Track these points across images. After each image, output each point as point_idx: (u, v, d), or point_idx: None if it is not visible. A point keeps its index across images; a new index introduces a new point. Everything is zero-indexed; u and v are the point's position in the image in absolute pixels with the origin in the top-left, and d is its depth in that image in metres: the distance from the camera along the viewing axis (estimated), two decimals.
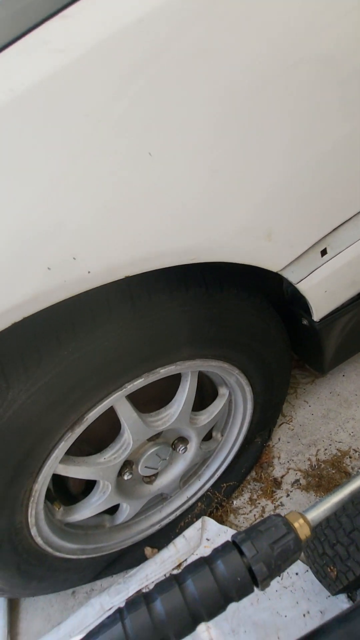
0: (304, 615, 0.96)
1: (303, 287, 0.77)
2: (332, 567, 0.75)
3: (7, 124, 0.48)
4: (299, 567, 1.02)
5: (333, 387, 1.33)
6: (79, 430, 0.76)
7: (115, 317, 0.67)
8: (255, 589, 0.47)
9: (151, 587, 1.09)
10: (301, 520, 0.51)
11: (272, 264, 0.68)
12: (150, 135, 0.52)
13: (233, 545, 0.49)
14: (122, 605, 0.47)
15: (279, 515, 0.52)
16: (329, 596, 0.97)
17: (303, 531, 0.50)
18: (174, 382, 0.93)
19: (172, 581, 0.47)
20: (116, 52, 0.49)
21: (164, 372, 0.81)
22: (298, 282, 0.76)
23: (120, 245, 0.53)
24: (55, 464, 0.77)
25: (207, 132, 0.54)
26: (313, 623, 0.94)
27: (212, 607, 0.45)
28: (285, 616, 0.97)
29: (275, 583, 1.02)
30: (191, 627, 0.45)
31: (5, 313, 0.51)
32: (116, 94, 0.50)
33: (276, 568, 0.47)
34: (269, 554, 0.47)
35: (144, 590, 1.09)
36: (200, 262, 0.78)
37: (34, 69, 0.49)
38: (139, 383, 0.78)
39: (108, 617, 0.46)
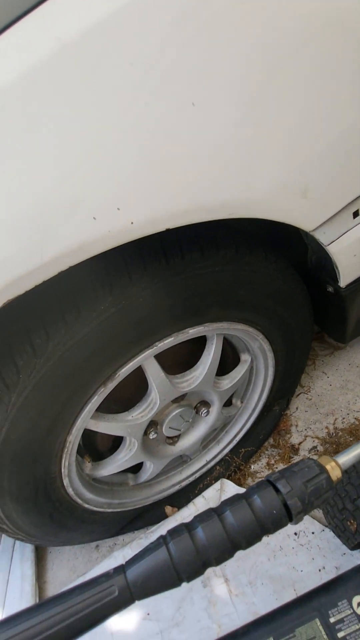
0: (320, 570, 1.00)
1: (333, 250, 0.78)
2: (352, 521, 0.78)
3: (54, 73, 0.49)
4: (315, 526, 1.06)
5: (352, 359, 1.34)
6: (110, 386, 0.79)
7: (149, 274, 0.69)
8: (289, 523, 0.50)
9: None
10: (333, 463, 0.53)
11: (305, 223, 0.69)
12: (194, 85, 0.52)
13: (268, 483, 0.52)
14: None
15: (311, 458, 0.54)
16: (344, 553, 1.01)
17: (335, 473, 0.52)
18: (196, 348, 0.96)
19: (211, 512, 0.50)
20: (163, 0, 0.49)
21: (192, 332, 0.83)
22: (329, 244, 0.76)
23: (162, 197, 0.54)
24: (87, 418, 0.80)
25: (251, 83, 0.54)
26: (328, 577, 0.98)
27: (250, 536, 0.48)
28: (301, 571, 1.01)
29: (291, 541, 1.06)
30: (230, 554, 0.48)
31: (54, 261, 0.53)
32: (162, 43, 0.50)
33: (309, 504, 0.50)
34: (302, 490, 0.50)
35: None
36: (229, 224, 0.79)
37: (80, 17, 0.50)
38: (168, 342, 0.80)
39: (151, 543, 0.49)
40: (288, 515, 0.49)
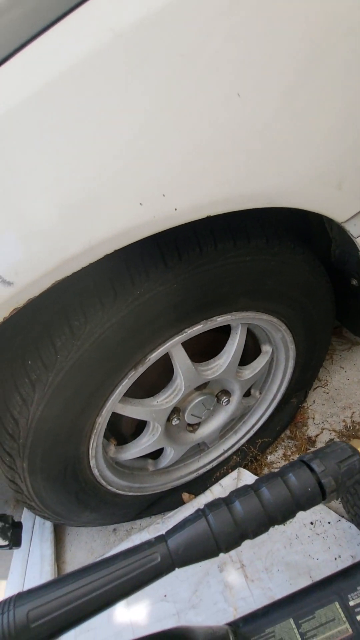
0: (335, 558, 1.02)
1: None
2: None
3: (107, 63, 0.50)
4: (331, 516, 1.08)
5: None
6: (140, 370, 0.81)
7: (184, 261, 0.71)
8: (322, 501, 0.52)
9: None
10: None
11: (338, 214, 0.70)
12: (240, 76, 0.54)
13: (302, 462, 0.54)
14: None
15: (342, 441, 0.56)
16: None
17: None
18: (218, 339, 0.98)
19: (248, 488, 0.52)
20: None
21: (220, 320, 0.85)
22: (358, 236, 0.78)
23: (206, 185, 0.56)
24: (117, 401, 0.83)
25: (295, 75, 0.56)
26: (344, 565, 1.00)
27: (286, 512, 0.50)
28: (317, 559, 1.03)
29: (307, 530, 1.08)
30: (266, 527, 0.50)
31: (101, 244, 0.55)
32: (210, 34, 0.52)
33: (342, 483, 0.52)
34: (336, 470, 0.52)
35: None
36: (258, 216, 0.81)
37: (132, 10, 0.51)
38: (197, 329, 0.83)
39: (190, 514, 0.51)
40: (322, 494, 0.51)
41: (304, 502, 0.51)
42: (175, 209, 0.56)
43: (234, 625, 0.74)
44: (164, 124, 0.53)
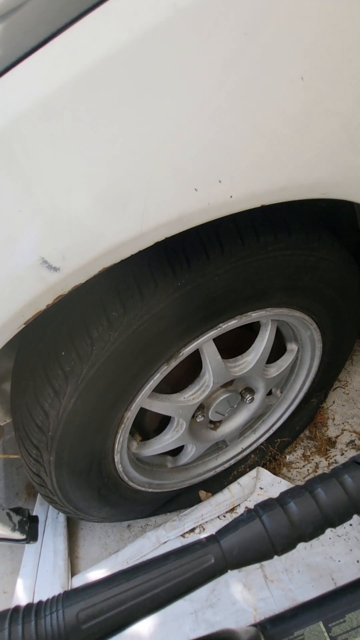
0: (358, 561, 1.01)
1: None
2: None
3: (169, 38, 0.48)
4: (353, 519, 1.06)
5: None
6: (173, 364, 0.79)
7: (226, 253, 0.69)
8: None
9: (206, 526, 1.16)
10: None
11: None
12: (304, 59, 0.51)
13: (357, 464, 0.52)
14: (251, 507, 0.50)
15: None
16: None
17: None
18: (243, 336, 0.96)
19: (302, 489, 0.50)
20: None
21: (254, 316, 0.83)
22: None
23: (263, 172, 0.54)
24: (146, 395, 0.81)
25: (357, 64, 0.53)
26: None
27: (343, 514, 0.48)
28: (339, 561, 1.02)
29: (328, 532, 1.07)
30: (322, 530, 0.48)
31: (152, 231, 0.52)
32: (276, 13, 0.49)
33: None
34: None
35: (197, 529, 1.16)
36: (295, 210, 0.78)
37: None
38: (231, 324, 0.80)
39: (242, 514, 0.49)
40: None
41: None
42: (231, 196, 0.54)
43: (260, 626, 0.72)
44: (223, 105, 0.50)
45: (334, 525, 0.48)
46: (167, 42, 0.48)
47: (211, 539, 0.47)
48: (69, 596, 0.44)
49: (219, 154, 0.52)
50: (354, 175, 0.60)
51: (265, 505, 0.49)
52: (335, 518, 0.48)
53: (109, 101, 0.48)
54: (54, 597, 0.44)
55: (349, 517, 0.49)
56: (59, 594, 0.44)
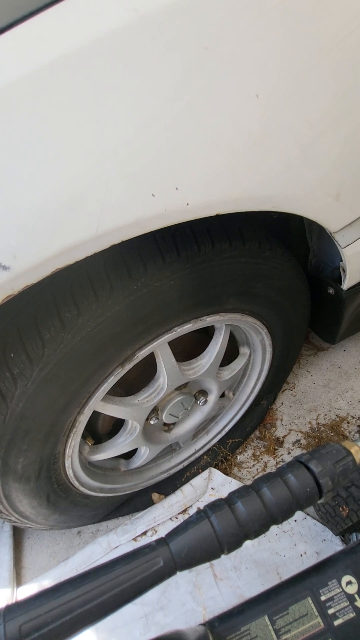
0: (301, 555, 1.06)
1: (347, 252, 0.83)
2: (344, 507, 0.84)
3: (128, 43, 0.48)
4: (297, 514, 1.12)
5: (334, 360, 1.42)
6: (127, 367, 0.78)
7: (182, 258, 0.70)
8: (319, 500, 0.53)
9: (158, 528, 1.16)
10: (356, 447, 0.57)
11: (332, 224, 0.73)
12: (259, 77, 0.54)
13: (300, 463, 0.55)
14: (201, 507, 0.52)
15: (336, 442, 0.58)
16: (324, 540, 1.07)
17: (358, 456, 0.57)
18: (197, 339, 0.98)
19: (249, 489, 0.52)
20: None
21: (209, 320, 0.84)
22: (345, 247, 0.81)
23: (219, 183, 0.56)
24: (100, 398, 0.79)
25: (311, 85, 0.57)
26: (309, 562, 1.04)
27: (286, 511, 0.51)
28: (284, 556, 1.06)
29: (274, 528, 1.11)
30: (267, 527, 0.50)
31: (108, 233, 0.52)
32: (234, 28, 0.51)
33: (337, 483, 0.53)
34: (332, 470, 0.53)
35: (149, 532, 1.16)
36: (249, 221, 0.81)
37: None
38: (186, 328, 0.82)
39: (191, 516, 0.50)
40: (319, 493, 0.52)
41: (303, 502, 0.51)
42: (187, 204, 0.55)
43: (209, 625, 0.74)
44: (180, 117, 0.51)
45: (277, 522, 0.51)
46: (126, 46, 0.48)
47: (160, 541, 0.48)
48: (11, 609, 0.42)
49: (176, 161, 0.53)
50: (302, 191, 0.64)
51: (214, 506, 0.50)
52: (279, 515, 0.50)
53: (65, 100, 0.48)
54: None
55: (292, 514, 0.51)
56: (1, 608, 0.43)
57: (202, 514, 0.50)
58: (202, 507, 0.51)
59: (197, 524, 0.49)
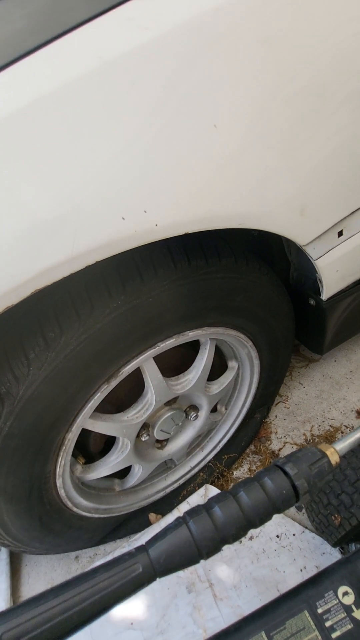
0: (301, 570, 1.04)
1: (320, 264, 0.86)
2: (336, 515, 0.84)
3: (95, 86, 0.53)
4: (295, 528, 1.11)
5: (325, 370, 1.44)
6: (113, 383, 0.81)
7: (160, 276, 0.73)
8: (295, 503, 0.54)
9: None
10: (332, 449, 0.59)
11: (300, 238, 0.77)
12: (215, 110, 0.59)
13: (276, 467, 0.56)
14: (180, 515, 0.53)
15: (312, 445, 0.60)
16: (323, 553, 1.06)
17: (334, 458, 0.58)
18: (186, 355, 1.00)
19: (227, 494, 0.53)
20: (194, 32, 0.56)
21: (191, 335, 0.87)
22: (317, 259, 0.85)
23: (185, 204, 0.60)
24: (87, 416, 0.81)
25: (267, 113, 0.62)
26: (309, 576, 1.02)
27: (263, 514, 0.52)
28: (284, 572, 1.05)
29: (273, 543, 1.10)
30: (245, 531, 0.51)
31: (83, 255, 0.56)
32: (188, 69, 0.57)
33: (314, 485, 0.55)
34: (308, 472, 0.55)
35: None
36: (227, 238, 0.86)
37: (120, 41, 0.55)
38: (169, 343, 0.84)
39: (170, 523, 0.51)
40: (295, 495, 0.54)
41: (279, 504, 0.53)
42: (156, 225, 0.59)
43: None
44: (145, 146, 0.56)
45: (255, 525, 0.52)
46: (94, 88, 0.54)
47: (140, 548, 0.49)
48: None
49: (144, 188, 0.57)
50: (266, 209, 0.68)
51: (192, 512, 0.52)
52: (256, 519, 0.52)
53: (40, 137, 0.52)
54: None
55: (269, 517, 0.53)
56: None
57: (181, 520, 0.51)
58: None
59: (175, 530, 0.50)
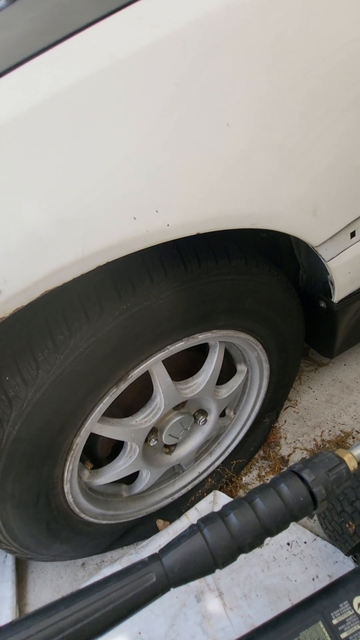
0: (313, 579, 1.02)
1: (332, 265, 0.85)
2: (350, 523, 0.82)
3: (106, 86, 0.53)
4: (307, 536, 1.08)
5: (335, 375, 1.41)
6: (122, 387, 0.79)
7: (170, 277, 0.72)
8: (314, 510, 0.53)
9: None
10: (349, 455, 0.57)
11: (313, 238, 0.76)
12: (228, 108, 0.58)
13: (293, 473, 0.54)
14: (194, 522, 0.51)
15: (329, 450, 0.58)
16: (336, 562, 1.03)
17: (352, 464, 0.56)
18: (194, 359, 0.99)
19: (242, 500, 0.52)
20: (205, 30, 0.55)
21: (201, 337, 0.86)
22: (329, 260, 0.83)
23: (197, 204, 0.59)
24: (96, 420, 0.80)
25: (280, 113, 0.61)
26: (322, 585, 1.00)
27: (280, 522, 0.50)
28: (295, 580, 1.02)
29: (284, 551, 1.08)
30: (261, 540, 0.50)
31: (94, 255, 0.55)
32: (200, 67, 0.56)
33: (332, 491, 0.53)
34: (326, 479, 0.53)
35: None
36: (237, 239, 0.85)
37: (132, 40, 0.54)
38: (179, 346, 0.83)
39: (184, 531, 0.50)
40: (313, 502, 0.52)
41: (297, 512, 0.51)
42: (168, 225, 0.58)
43: None
44: (158, 146, 0.55)
45: (272, 533, 0.50)
46: (106, 87, 0.53)
47: (153, 557, 0.47)
48: (2, 631, 0.41)
49: (156, 188, 0.56)
50: (279, 209, 0.67)
51: (207, 519, 0.50)
52: (273, 526, 0.50)
53: (51, 137, 0.52)
54: None
55: (286, 525, 0.51)
56: None
57: (195, 528, 0.49)
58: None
59: (190, 538, 0.48)
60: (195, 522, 1.16)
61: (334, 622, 0.74)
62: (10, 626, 0.42)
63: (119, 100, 0.53)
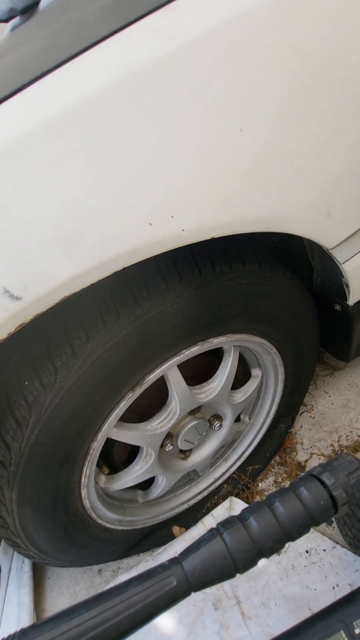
0: (333, 587, 1.00)
1: (347, 268, 0.84)
2: None
3: (122, 97, 0.54)
4: (326, 543, 1.06)
5: (351, 379, 1.39)
6: (138, 391, 0.80)
7: (184, 282, 0.73)
8: (334, 514, 0.52)
9: None
10: None
11: (327, 241, 0.75)
12: (241, 113, 0.59)
13: (312, 477, 0.54)
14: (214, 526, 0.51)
15: (349, 454, 0.57)
16: (357, 570, 1.01)
17: None
18: (208, 363, 0.99)
19: (261, 504, 0.51)
20: (217, 39, 0.56)
21: (216, 342, 0.86)
22: (344, 262, 0.83)
23: (212, 209, 0.59)
24: (112, 425, 0.81)
25: (294, 117, 0.62)
26: (342, 594, 0.97)
27: (300, 526, 0.50)
28: (315, 589, 1.00)
29: (303, 559, 1.06)
30: (282, 544, 0.49)
31: (111, 261, 0.56)
32: (213, 76, 0.57)
33: (352, 495, 0.52)
34: (346, 482, 0.52)
35: None
36: (249, 244, 0.85)
37: (146, 51, 0.56)
38: (194, 351, 0.83)
39: (204, 534, 0.50)
40: (334, 506, 0.51)
41: (317, 516, 0.50)
42: (183, 230, 0.59)
43: None
44: (173, 153, 0.56)
45: (292, 538, 0.50)
46: (121, 99, 0.54)
47: (174, 560, 0.47)
48: (26, 633, 0.42)
49: (171, 194, 0.57)
50: (293, 212, 0.67)
51: (227, 523, 0.50)
52: (293, 530, 0.49)
53: (67, 147, 0.53)
54: (9, 636, 0.42)
55: (307, 530, 0.50)
56: (15, 632, 0.43)
57: (215, 532, 0.49)
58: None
59: (210, 542, 0.48)
60: (229, 516, 1.15)
61: (357, 631, 0.72)
62: (33, 628, 0.42)
63: (135, 110, 0.54)
